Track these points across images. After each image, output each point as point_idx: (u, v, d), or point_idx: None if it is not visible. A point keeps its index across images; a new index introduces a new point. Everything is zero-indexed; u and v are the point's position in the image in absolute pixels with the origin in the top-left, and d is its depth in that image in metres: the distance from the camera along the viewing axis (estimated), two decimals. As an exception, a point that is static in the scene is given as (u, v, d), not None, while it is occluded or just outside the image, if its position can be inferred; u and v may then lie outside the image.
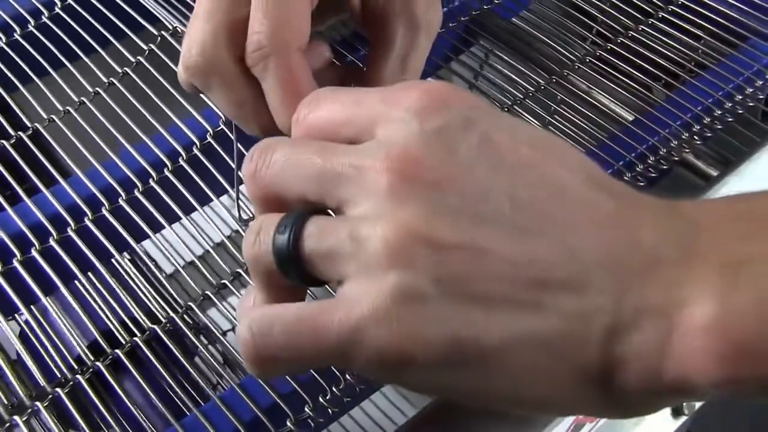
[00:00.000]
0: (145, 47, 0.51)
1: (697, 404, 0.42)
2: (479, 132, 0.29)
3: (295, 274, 0.30)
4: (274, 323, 0.29)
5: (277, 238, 0.30)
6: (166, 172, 0.45)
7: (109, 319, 0.40)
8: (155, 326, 0.40)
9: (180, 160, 0.46)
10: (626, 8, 0.56)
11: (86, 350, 0.39)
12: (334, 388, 0.38)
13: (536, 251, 0.28)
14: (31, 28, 0.53)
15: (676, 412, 0.41)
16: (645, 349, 0.27)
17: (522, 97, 0.51)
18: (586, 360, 0.28)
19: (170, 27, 0.51)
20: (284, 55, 0.35)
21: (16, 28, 0.53)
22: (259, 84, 0.36)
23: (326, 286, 0.35)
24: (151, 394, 0.38)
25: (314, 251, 0.29)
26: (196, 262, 0.43)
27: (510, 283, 0.28)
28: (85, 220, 0.43)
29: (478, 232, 0.28)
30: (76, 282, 0.42)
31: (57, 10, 0.54)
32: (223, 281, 0.42)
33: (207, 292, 0.42)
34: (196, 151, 0.46)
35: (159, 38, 0.51)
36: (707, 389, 0.27)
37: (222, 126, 0.47)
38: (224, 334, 0.43)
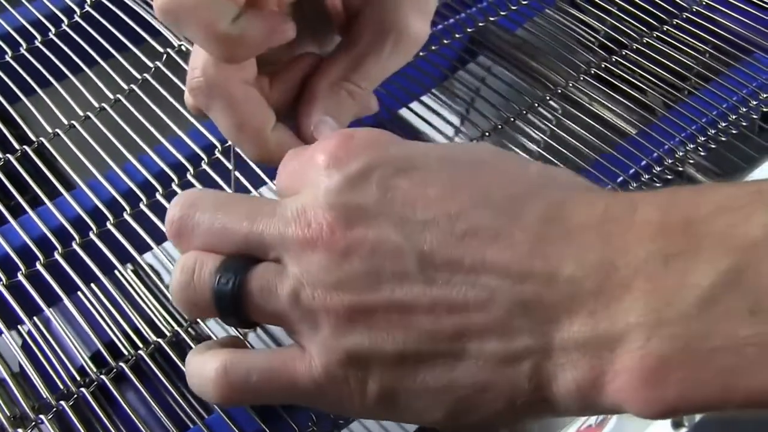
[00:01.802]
0: (150, 64, 0.51)
1: (698, 416, 0.41)
2: (379, 180, 0.30)
3: (234, 320, 0.33)
4: (250, 370, 0.32)
5: (220, 287, 0.31)
6: (174, 186, 0.45)
7: (113, 332, 0.40)
8: (159, 339, 0.40)
9: (188, 174, 0.46)
10: (631, 21, 0.56)
11: (90, 363, 0.39)
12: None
13: (452, 300, 0.28)
14: (37, 43, 0.54)
15: (677, 424, 0.40)
16: (577, 386, 0.27)
17: (526, 108, 0.51)
18: (517, 395, 0.28)
19: (175, 45, 0.51)
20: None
21: (23, 42, 0.54)
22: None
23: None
24: (155, 407, 0.38)
25: (259, 307, 0.31)
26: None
27: (433, 337, 0.29)
28: (90, 234, 0.43)
29: (397, 291, 0.29)
30: (79, 294, 0.42)
31: (64, 27, 0.55)
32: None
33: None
34: (204, 166, 0.46)
35: (165, 55, 0.51)
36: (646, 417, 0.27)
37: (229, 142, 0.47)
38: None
